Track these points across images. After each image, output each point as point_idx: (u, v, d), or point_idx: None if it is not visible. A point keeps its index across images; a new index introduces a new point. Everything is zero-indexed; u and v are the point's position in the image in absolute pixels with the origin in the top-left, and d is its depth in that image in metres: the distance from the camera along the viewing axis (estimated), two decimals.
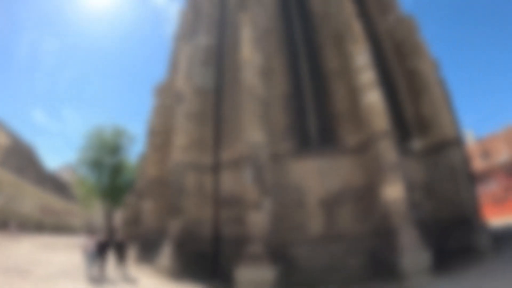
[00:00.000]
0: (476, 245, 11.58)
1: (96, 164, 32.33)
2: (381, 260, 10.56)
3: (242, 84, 13.17)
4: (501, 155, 33.83)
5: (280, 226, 11.52)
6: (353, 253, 11.20)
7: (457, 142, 13.53)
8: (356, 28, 13.53)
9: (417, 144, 14.23)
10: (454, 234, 12.22)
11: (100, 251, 12.39)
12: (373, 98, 12.29)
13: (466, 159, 14.03)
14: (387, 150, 11.41)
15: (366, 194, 11.78)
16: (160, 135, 18.47)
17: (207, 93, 15.48)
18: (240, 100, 13.18)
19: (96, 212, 45.75)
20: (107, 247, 12.85)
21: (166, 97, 19.30)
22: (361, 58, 13.03)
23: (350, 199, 11.98)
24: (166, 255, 12.46)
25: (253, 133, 12.18)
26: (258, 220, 10.99)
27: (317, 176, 12.37)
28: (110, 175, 32.70)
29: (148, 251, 15.71)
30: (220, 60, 16.26)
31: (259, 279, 9.99)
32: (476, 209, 13.29)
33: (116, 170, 33.18)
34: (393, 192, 10.85)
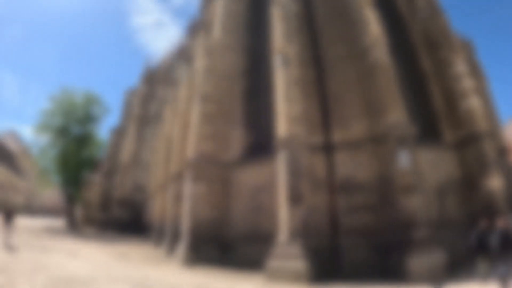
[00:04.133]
0: None
1: (61, 132, 25.37)
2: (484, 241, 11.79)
3: (376, 64, 12.69)
4: None
5: None
6: (459, 237, 11.99)
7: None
8: (454, 39, 15.06)
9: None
10: None
11: None
12: (474, 103, 13.88)
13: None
14: (490, 148, 13.16)
15: (464, 185, 13.27)
16: (214, 103, 15.80)
17: (306, 63, 14.23)
18: (373, 79, 12.70)
19: (48, 190, 35.45)
20: None
21: (220, 58, 16.67)
22: (460, 67, 14.50)
23: (452, 189, 13.13)
24: (291, 256, 10.09)
25: (398, 114, 11.75)
26: (419, 205, 10.67)
27: (430, 166, 12.93)
28: (75, 147, 26.08)
29: (204, 248, 13.24)
30: (312, 30, 15.19)
31: (433, 265, 9.65)
32: None
33: (83, 142, 26.70)
34: (497, 182, 12.48)
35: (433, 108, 14.59)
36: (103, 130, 34.26)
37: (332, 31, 14.85)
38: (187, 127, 17.92)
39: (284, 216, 10.99)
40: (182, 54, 27.47)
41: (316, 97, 13.77)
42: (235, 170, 14.79)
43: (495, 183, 12.47)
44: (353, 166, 12.40)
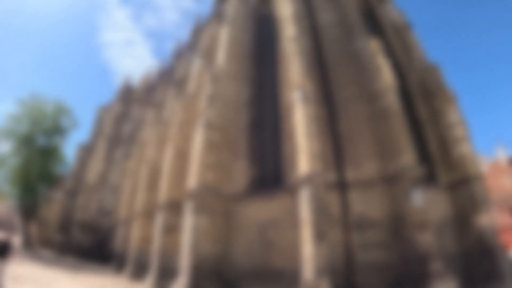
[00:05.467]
0: None
1: (26, 141, 22.31)
2: (476, 271, 13.01)
3: (388, 108, 13.33)
4: None
5: None
6: (456, 269, 12.72)
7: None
8: (448, 92, 16.36)
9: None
10: None
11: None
12: (466, 149, 15.18)
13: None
14: (482, 189, 14.51)
15: (457, 222, 14.19)
16: (218, 132, 15.20)
17: (318, 100, 14.42)
18: (384, 122, 13.30)
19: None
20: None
21: (225, 86, 16.26)
22: (453, 116, 15.84)
23: (447, 226, 13.92)
24: None
25: (409, 156, 12.32)
26: (433, 239, 11.14)
27: (432, 205, 13.52)
28: (39, 159, 23.02)
29: (206, 286, 12.27)
30: (322, 69, 15.59)
31: None
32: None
33: (48, 154, 23.68)
34: (488, 220, 13.74)
35: (428, 151, 15.53)
36: (68, 146, 30.97)
37: (342, 72, 15.38)
38: (183, 154, 17.02)
39: (308, 253, 10.73)
40: (166, 77, 26.44)
41: (329, 135, 13.95)
42: (239, 204, 14.18)
43: (485, 220, 13.70)
44: (365, 204, 12.58)
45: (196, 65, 19.95)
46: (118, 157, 26.10)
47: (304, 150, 12.22)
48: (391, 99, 13.50)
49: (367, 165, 13.24)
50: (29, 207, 24.00)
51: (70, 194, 27.76)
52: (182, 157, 17.11)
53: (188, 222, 13.45)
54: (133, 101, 29.32)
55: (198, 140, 14.90)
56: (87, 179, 26.79)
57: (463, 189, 14.56)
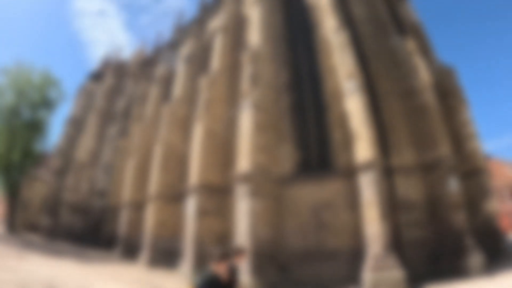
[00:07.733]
0: None
1: (11, 114, 18.82)
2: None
3: (426, 104, 14.66)
4: None
5: None
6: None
7: None
8: (461, 93, 18.12)
9: None
10: None
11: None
12: (476, 145, 17.19)
13: None
14: (488, 179, 16.79)
15: (467, 208, 15.42)
16: (264, 113, 14.97)
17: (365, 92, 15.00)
18: (422, 116, 14.59)
19: None
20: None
21: (264, 67, 15.98)
22: (465, 115, 17.73)
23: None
24: (388, 266, 11.00)
25: (446, 148, 13.80)
26: (466, 219, 12.77)
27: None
28: (25, 134, 19.70)
29: (265, 271, 12.43)
30: (363, 64, 16.10)
31: (479, 264, 11.66)
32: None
33: (34, 129, 20.36)
34: (493, 206, 16.00)
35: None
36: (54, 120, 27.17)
37: (378, 66, 16.17)
38: (215, 134, 16.40)
39: (375, 231, 11.66)
40: (167, 52, 24.52)
41: (371, 123, 14.61)
42: (288, 186, 14.39)
43: (491, 206, 15.85)
44: (407, 188, 13.80)
45: (218, 42, 19.05)
46: (111, 133, 23.84)
47: (363, 136, 12.99)
48: (429, 96, 14.82)
49: (405, 153, 14.39)
50: (11, 188, 20.85)
51: (57, 173, 24.71)
52: (213, 138, 16.47)
53: (244, 206, 13.31)
54: (126, 75, 26.82)
55: (245, 122, 14.62)
56: (77, 156, 24.06)
57: (473, 179, 16.38)
